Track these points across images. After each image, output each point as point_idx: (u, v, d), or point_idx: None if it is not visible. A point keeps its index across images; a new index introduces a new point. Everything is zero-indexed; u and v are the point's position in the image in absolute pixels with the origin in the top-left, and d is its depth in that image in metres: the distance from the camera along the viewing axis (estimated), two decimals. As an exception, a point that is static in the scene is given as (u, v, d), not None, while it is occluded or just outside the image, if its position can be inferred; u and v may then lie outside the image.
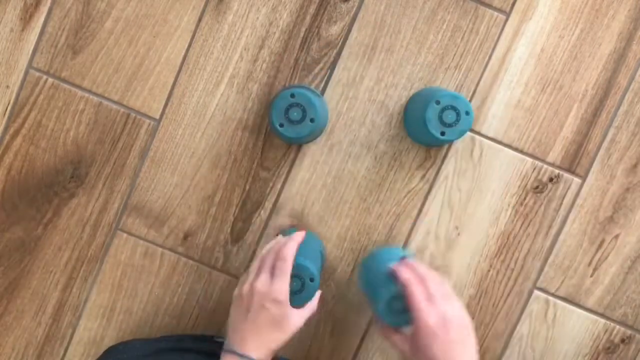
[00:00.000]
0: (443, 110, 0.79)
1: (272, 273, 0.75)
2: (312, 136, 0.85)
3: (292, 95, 0.80)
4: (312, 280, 0.77)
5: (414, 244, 0.91)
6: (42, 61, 0.90)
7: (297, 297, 0.78)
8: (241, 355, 0.72)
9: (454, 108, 0.79)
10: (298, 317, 0.75)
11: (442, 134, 0.79)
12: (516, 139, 0.90)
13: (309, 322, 0.78)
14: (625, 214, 0.91)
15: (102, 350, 0.88)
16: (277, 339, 0.74)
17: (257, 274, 0.76)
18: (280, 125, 0.80)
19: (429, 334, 0.71)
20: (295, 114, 0.80)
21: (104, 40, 0.89)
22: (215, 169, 0.91)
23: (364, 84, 0.89)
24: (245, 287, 0.75)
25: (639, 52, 0.89)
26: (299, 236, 0.79)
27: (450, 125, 0.79)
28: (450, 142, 0.89)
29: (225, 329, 0.93)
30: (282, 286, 0.74)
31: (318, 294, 0.79)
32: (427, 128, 0.79)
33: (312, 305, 0.78)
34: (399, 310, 0.75)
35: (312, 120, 0.80)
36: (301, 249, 0.80)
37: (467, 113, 0.79)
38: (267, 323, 0.74)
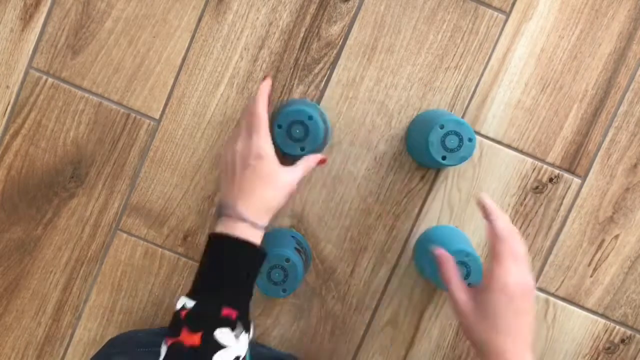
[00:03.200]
0: (446, 135, 0.79)
1: (251, 131, 0.74)
2: (293, 155, 0.85)
3: (310, 118, 0.78)
4: (288, 261, 0.79)
5: (414, 244, 0.91)
6: (42, 61, 0.90)
7: (288, 284, 0.80)
8: (232, 215, 0.70)
9: (457, 134, 0.79)
10: (290, 174, 0.73)
11: (444, 158, 0.79)
12: (516, 139, 0.90)
13: (301, 183, 0.76)
14: (625, 214, 0.91)
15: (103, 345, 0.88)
16: (270, 197, 0.72)
17: (235, 136, 0.75)
18: (279, 127, 0.79)
19: (508, 294, 0.65)
20: (297, 131, 0.79)
21: (104, 40, 0.89)
22: (215, 169, 0.91)
23: (364, 84, 0.89)
24: (228, 152, 0.74)
25: (639, 52, 0.89)
26: (264, 86, 0.77)
27: (452, 151, 0.79)
28: (450, 167, 0.89)
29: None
30: (260, 141, 0.72)
31: (314, 156, 0.77)
32: (429, 151, 0.79)
33: (307, 163, 0.76)
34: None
35: (302, 149, 0.79)
36: (269, 243, 0.83)
37: (470, 140, 0.79)
38: (255, 181, 0.71)
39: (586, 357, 0.92)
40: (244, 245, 0.69)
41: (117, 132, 0.90)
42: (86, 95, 0.90)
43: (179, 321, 0.65)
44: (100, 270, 0.92)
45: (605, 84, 0.89)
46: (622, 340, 0.92)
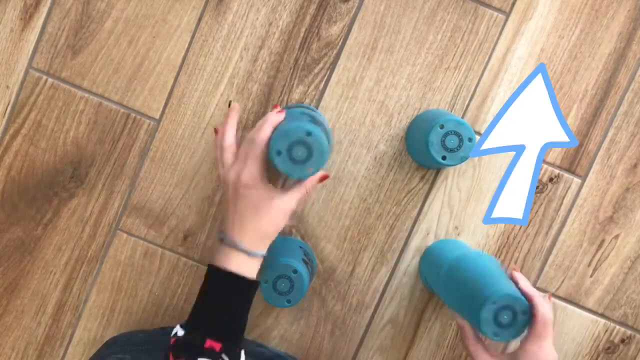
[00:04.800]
0: (446, 134, 0.79)
1: (246, 158, 0.73)
2: (300, 177, 0.82)
3: (309, 134, 0.69)
4: (295, 272, 0.78)
5: (414, 244, 0.91)
6: (42, 61, 0.90)
7: (292, 295, 0.79)
8: (229, 244, 0.72)
9: (457, 134, 0.79)
10: (283, 198, 0.72)
11: (444, 158, 0.79)
12: (516, 139, 0.90)
13: (302, 203, 0.76)
14: (625, 214, 0.91)
15: (102, 344, 0.88)
16: (265, 225, 0.72)
17: (233, 162, 0.75)
18: (278, 154, 0.70)
19: (548, 326, 0.71)
20: (300, 153, 0.69)
21: (104, 41, 0.89)
22: (215, 169, 0.91)
23: (364, 84, 0.89)
24: (225, 181, 0.75)
25: (639, 52, 0.89)
26: (274, 118, 0.74)
27: (452, 150, 0.79)
28: (450, 167, 0.89)
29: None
30: (250, 169, 0.72)
31: (317, 175, 0.75)
32: (428, 151, 0.79)
33: (306, 185, 0.75)
34: (504, 323, 0.71)
35: (309, 170, 0.71)
36: (278, 251, 0.82)
37: (470, 140, 0.79)
38: (248, 210, 0.72)
39: (586, 357, 0.92)
40: (236, 279, 0.71)
41: (117, 132, 0.90)
42: (86, 95, 0.90)
43: (168, 347, 0.70)
44: (100, 270, 0.93)
45: (605, 84, 0.89)
46: (622, 340, 0.92)
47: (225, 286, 0.71)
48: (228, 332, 0.70)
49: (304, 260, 0.84)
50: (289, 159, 0.70)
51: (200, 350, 0.68)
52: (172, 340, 0.70)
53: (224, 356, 0.68)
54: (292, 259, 0.81)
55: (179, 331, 0.70)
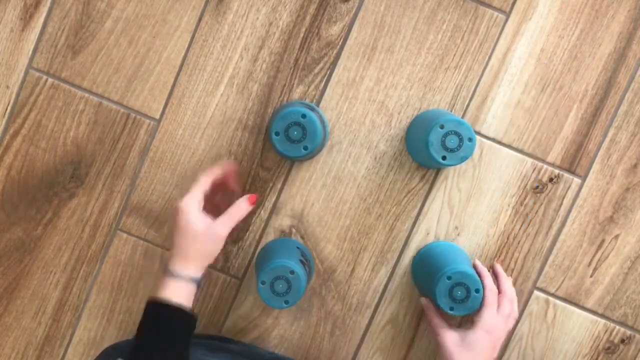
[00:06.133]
0: (446, 135, 0.79)
1: None
2: (300, 158, 0.85)
3: (304, 116, 0.78)
4: (292, 273, 0.78)
5: (414, 244, 0.91)
6: (42, 61, 0.90)
7: (290, 296, 0.79)
8: (166, 273, 0.76)
9: (457, 134, 0.79)
10: (210, 224, 0.76)
11: (444, 158, 0.79)
12: (516, 139, 0.90)
13: (236, 229, 0.79)
14: (625, 214, 0.91)
15: (102, 351, 0.88)
16: (192, 249, 0.76)
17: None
18: (276, 134, 0.79)
19: (490, 333, 0.80)
20: (295, 133, 0.79)
21: (104, 41, 0.89)
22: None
23: (364, 84, 0.89)
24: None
25: (639, 52, 0.89)
26: (226, 166, 0.82)
27: (452, 150, 0.79)
28: (450, 167, 0.89)
29: (225, 328, 0.93)
30: (185, 197, 0.77)
31: (242, 199, 0.79)
32: (428, 151, 0.79)
33: (234, 208, 0.78)
34: (458, 299, 0.81)
35: (305, 148, 0.79)
36: (274, 255, 0.83)
37: (470, 140, 0.79)
38: (178, 235, 0.76)
39: (586, 357, 0.92)
40: (165, 309, 0.74)
41: (117, 132, 0.90)
42: (86, 95, 0.90)
43: None
44: (100, 270, 0.92)
45: (605, 84, 0.89)
46: (622, 340, 0.92)
47: (156, 317, 0.74)
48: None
49: (301, 260, 0.84)
50: (286, 139, 0.78)
51: None
52: None
53: None
54: (289, 260, 0.81)
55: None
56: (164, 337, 0.73)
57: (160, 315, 0.74)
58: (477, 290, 0.81)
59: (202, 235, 0.76)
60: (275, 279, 0.80)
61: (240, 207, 0.78)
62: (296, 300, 0.80)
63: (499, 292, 0.83)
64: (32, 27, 0.89)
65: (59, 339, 0.94)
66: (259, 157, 0.90)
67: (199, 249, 0.76)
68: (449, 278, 0.80)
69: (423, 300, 0.87)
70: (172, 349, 0.73)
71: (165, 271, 0.76)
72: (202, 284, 0.80)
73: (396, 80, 0.89)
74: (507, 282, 0.85)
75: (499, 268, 0.88)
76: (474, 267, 0.85)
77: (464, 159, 0.80)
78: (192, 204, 0.76)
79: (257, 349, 0.90)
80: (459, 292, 0.80)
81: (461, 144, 0.79)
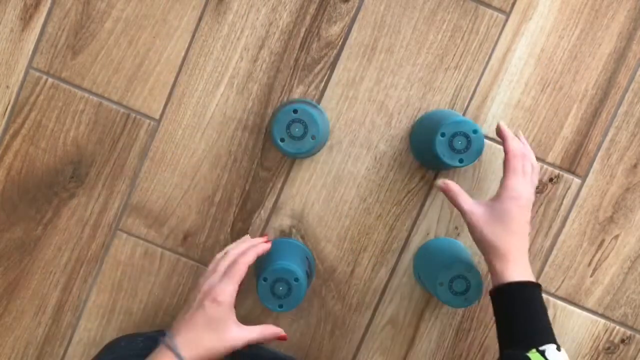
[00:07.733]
0: (451, 139, 0.78)
1: (224, 275, 0.75)
2: (313, 151, 0.85)
3: (295, 111, 0.79)
4: (296, 280, 0.78)
5: (414, 244, 0.91)
6: (42, 61, 0.90)
7: (287, 301, 0.79)
8: (168, 345, 0.71)
9: (460, 133, 0.78)
10: (239, 330, 0.73)
11: (461, 161, 0.79)
12: (516, 139, 0.90)
13: (247, 344, 0.76)
14: (625, 214, 0.91)
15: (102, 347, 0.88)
16: (208, 341, 0.72)
17: (209, 275, 0.76)
18: (281, 140, 0.79)
19: (519, 201, 0.76)
20: (297, 129, 0.79)
21: (104, 41, 0.89)
22: (215, 169, 0.91)
23: (364, 84, 0.89)
24: (196, 286, 0.76)
25: (639, 52, 0.89)
26: (261, 248, 0.78)
27: (464, 151, 0.79)
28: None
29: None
30: (226, 288, 0.73)
31: (275, 330, 0.77)
32: (443, 162, 0.79)
33: (266, 330, 0.76)
34: (458, 291, 0.81)
35: (313, 137, 0.79)
36: (284, 255, 0.82)
37: (475, 132, 0.78)
38: (202, 322, 0.72)
39: (586, 357, 0.92)
40: None
41: (117, 132, 0.90)
42: (86, 95, 0.90)
43: None
44: (100, 270, 0.92)
45: (605, 84, 0.89)
46: (622, 340, 0.92)
47: None
48: None
49: (306, 271, 0.83)
50: (291, 139, 0.79)
51: None
52: None
53: None
54: (296, 266, 0.80)
55: None
56: None
57: None
58: (474, 131, 0.78)
59: (229, 341, 0.73)
60: (277, 279, 0.79)
61: (269, 331, 0.76)
62: (290, 307, 0.79)
63: (506, 152, 0.79)
64: (32, 27, 0.89)
65: (59, 339, 0.94)
66: (259, 157, 0.90)
67: (213, 347, 0.72)
68: (443, 135, 0.78)
69: (439, 182, 0.81)
70: None
71: (165, 340, 0.72)
72: None
73: (396, 81, 0.89)
74: (513, 141, 0.79)
75: (503, 126, 0.81)
76: (498, 128, 0.81)
77: (479, 152, 0.79)
78: (229, 298, 0.73)
79: (257, 348, 0.90)
80: (459, 142, 0.78)
81: (469, 140, 0.78)
